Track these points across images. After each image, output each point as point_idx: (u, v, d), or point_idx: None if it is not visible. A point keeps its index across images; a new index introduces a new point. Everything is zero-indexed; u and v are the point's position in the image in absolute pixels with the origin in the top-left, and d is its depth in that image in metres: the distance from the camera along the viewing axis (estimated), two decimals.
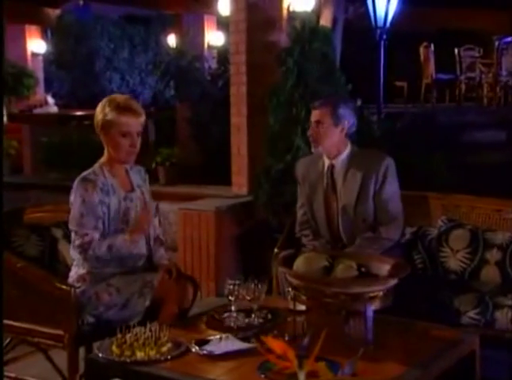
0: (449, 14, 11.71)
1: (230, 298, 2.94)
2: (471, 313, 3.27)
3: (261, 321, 2.93)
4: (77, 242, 3.11)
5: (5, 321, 3.22)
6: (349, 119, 3.57)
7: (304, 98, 4.75)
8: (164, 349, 2.62)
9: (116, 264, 3.18)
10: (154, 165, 5.86)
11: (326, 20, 11.31)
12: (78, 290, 3.12)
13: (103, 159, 3.23)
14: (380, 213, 3.58)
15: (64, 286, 3.06)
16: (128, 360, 2.56)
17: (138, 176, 3.35)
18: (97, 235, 3.09)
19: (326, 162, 3.64)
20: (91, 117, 3.27)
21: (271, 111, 4.79)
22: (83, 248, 3.09)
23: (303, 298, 2.69)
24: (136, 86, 13.16)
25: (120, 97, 3.22)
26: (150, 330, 2.68)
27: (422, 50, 10.52)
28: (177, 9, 9.14)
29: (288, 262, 2.81)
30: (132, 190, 3.27)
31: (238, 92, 5.50)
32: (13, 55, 11.03)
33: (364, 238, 3.54)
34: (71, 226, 3.15)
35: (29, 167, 7.96)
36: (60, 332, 3.07)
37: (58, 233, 3.57)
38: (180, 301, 3.19)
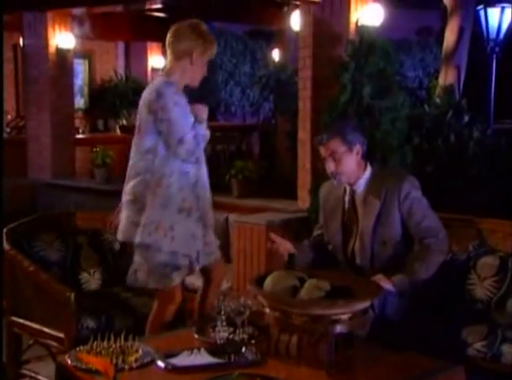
0: None
1: (220, 311, 2.97)
2: (478, 345, 3.07)
3: (244, 336, 2.93)
4: (184, 145, 3.18)
5: (22, 321, 3.46)
6: (359, 140, 3.44)
7: (358, 114, 4.65)
8: (131, 359, 2.68)
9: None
10: (227, 178, 5.94)
11: (452, 32, 10.94)
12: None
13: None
14: (422, 232, 3.38)
15: (64, 292, 3.22)
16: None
17: None
18: None
19: (348, 188, 3.53)
20: None
21: (323, 126, 4.72)
22: (190, 147, 3.20)
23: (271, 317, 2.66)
24: (256, 100, 13.36)
25: (202, 26, 3.40)
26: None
27: None
28: (279, 25, 9.23)
29: (261, 280, 2.78)
30: None
31: (305, 107, 5.51)
32: (134, 70, 11.65)
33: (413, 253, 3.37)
34: (174, 134, 3.18)
35: None
36: (62, 334, 3.23)
37: (83, 239, 3.75)
38: None
